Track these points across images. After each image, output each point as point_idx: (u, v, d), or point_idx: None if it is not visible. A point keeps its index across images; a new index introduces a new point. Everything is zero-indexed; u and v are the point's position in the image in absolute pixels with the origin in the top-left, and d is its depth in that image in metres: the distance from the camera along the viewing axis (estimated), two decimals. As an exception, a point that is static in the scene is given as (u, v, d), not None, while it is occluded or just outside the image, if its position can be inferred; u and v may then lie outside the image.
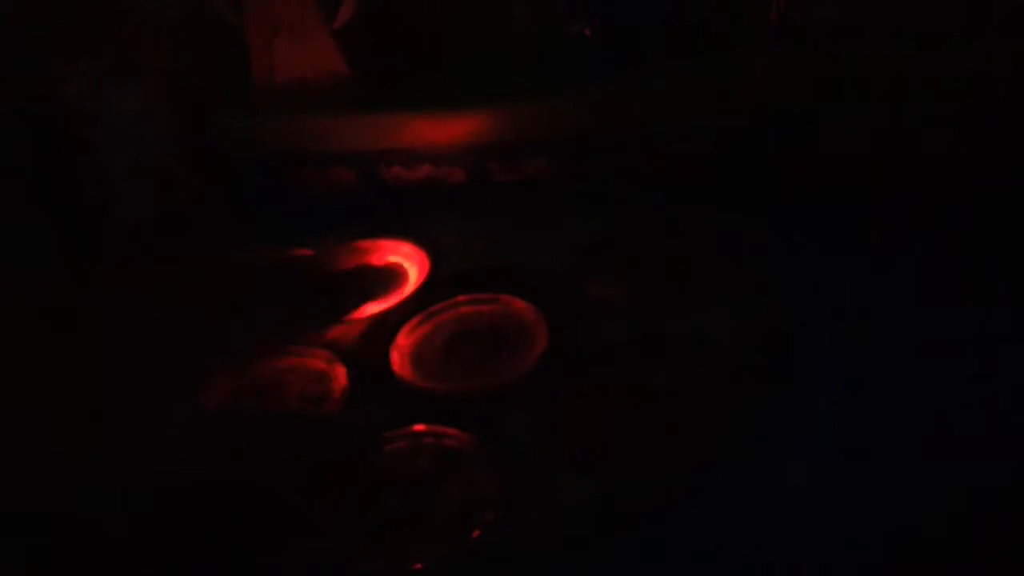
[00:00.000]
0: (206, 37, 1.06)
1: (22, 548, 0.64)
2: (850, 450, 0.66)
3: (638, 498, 0.60)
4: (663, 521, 0.59)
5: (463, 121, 0.97)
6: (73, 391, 0.74)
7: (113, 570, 0.63)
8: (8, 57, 0.98)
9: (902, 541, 0.63)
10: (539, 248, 0.84)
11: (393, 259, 0.87)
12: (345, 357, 0.76)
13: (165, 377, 0.75)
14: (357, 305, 0.82)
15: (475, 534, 0.60)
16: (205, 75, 1.05)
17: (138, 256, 0.97)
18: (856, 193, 0.89)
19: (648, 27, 0.95)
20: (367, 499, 0.64)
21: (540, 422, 0.66)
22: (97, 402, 0.73)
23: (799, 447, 0.64)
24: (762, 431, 0.63)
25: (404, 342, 0.76)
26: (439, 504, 0.63)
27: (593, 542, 0.58)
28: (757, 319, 0.72)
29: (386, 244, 0.88)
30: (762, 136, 0.91)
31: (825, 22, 0.87)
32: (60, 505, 0.66)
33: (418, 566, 0.60)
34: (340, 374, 0.74)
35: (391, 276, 0.85)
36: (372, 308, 0.81)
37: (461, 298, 0.79)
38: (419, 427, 0.68)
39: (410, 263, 0.86)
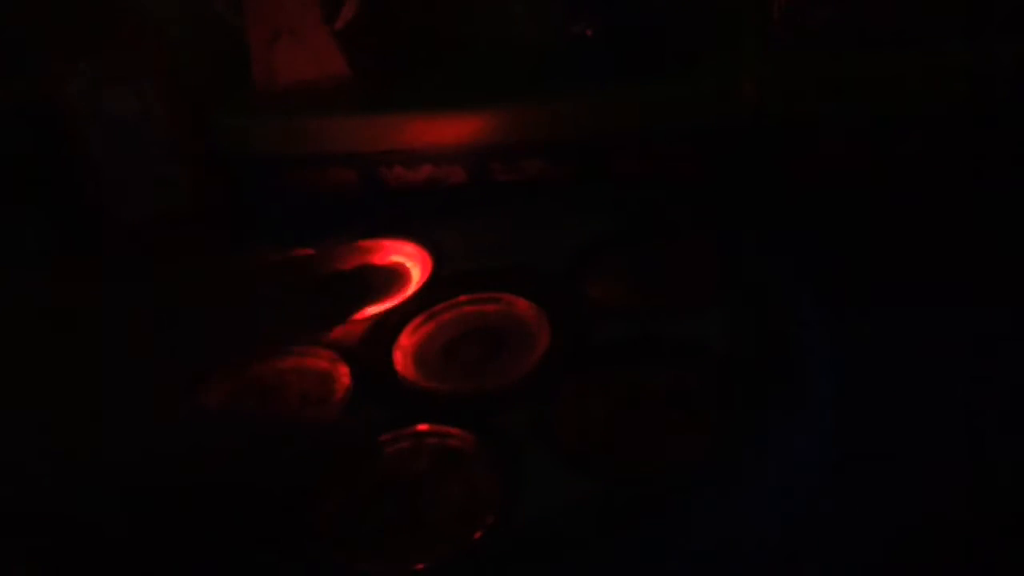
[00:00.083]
0: (206, 37, 1.05)
1: (22, 548, 0.64)
2: (850, 450, 0.66)
3: (638, 498, 0.60)
4: (663, 521, 0.59)
5: (464, 122, 0.97)
6: (73, 391, 0.74)
7: (113, 570, 0.63)
8: (8, 57, 0.98)
9: (901, 541, 0.63)
10: (540, 248, 0.84)
11: (396, 259, 0.87)
12: (348, 357, 0.76)
13: (165, 377, 0.75)
14: (359, 305, 0.82)
15: (476, 535, 0.60)
16: (205, 76, 1.05)
17: (138, 256, 0.97)
18: (856, 193, 0.89)
19: (648, 28, 0.95)
20: (367, 500, 0.64)
21: (540, 422, 0.66)
22: (97, 402, 0.73)
23: (799, 447, 0.64)
24: (762, 431, 0.63)
25: (407, 342, 0.77)
26: (439, 505, 0.63)
27: (593, 542, 0.58)
28: (757, 319, 0.72)
29: (389, 244, 0.88)
30: (762, 136, 0.91)
31: (825, 22, 0.87)
32: (60, 505, 0.66)
33: (419, 567, 0.60)
34: (343, 374, 0.74)
35: (394, 276, 0.85)
36: (374, 308, 0.81)
37: (463, 298, 0.79)
38: (422, 427, 0.68)
39: (413, 263, 0.86)
